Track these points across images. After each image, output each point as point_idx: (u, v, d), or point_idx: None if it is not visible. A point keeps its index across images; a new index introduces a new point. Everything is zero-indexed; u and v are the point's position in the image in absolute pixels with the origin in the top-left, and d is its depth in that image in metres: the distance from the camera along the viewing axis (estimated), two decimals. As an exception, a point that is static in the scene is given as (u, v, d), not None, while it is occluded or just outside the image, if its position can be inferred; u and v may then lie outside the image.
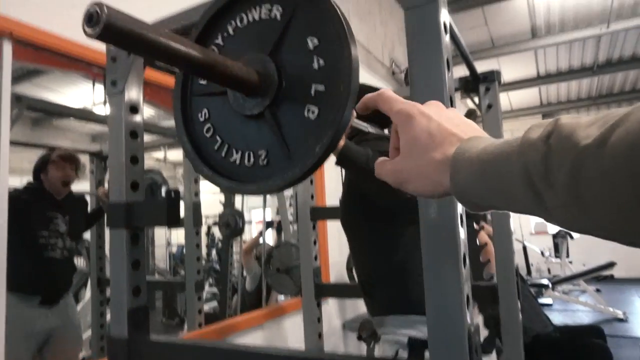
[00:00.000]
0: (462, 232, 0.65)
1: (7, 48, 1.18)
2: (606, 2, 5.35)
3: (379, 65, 4.40)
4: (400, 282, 1.24)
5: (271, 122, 0.61)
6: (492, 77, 1.37)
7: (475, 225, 2.45)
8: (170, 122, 4.38)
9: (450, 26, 0.70)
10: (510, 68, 7.23)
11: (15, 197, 1.87)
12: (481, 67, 1.25)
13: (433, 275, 0.64)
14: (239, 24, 0.65)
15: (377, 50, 4.37)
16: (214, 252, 5.51)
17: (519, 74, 7.62)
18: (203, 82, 0.68)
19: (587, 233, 0.37)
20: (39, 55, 1.32)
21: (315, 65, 0.58)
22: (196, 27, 0.69)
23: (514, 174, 0.38)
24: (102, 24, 0.40)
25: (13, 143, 1.26)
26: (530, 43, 6.32)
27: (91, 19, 0.41)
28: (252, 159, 0.63)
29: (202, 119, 0.69)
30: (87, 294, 3.05)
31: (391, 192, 1.11)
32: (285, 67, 0.60)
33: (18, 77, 1.30)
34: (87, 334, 3.33)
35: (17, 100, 1.47)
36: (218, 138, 0.67)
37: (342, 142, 1.07)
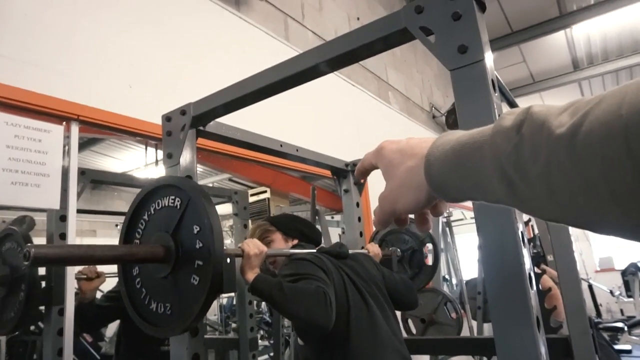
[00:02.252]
0: (532, 293, 0.61)
1: (75, 129, 1.28)
2: (650, 27, 5.20)
3: (418, 110, 4.42)
4: None
5: (172, 284, 0.84)
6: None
7: (536, 269, 2.32)
8: (216, 177, 4.52)
9: (498, 80, 0.70)
10: (554, 102, 7.03)
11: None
12: (523, 103, 1.22)
13: (504, 341, 0.60)
14: (157, 206, 0.91)
15: (415, 96, 4.40)
16: (263, 304, 5.47)
17: (565, 107, 7.41)
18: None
19: (561, 222, 0.35)
20: (100, 130, 1.42)
21: (197, 246, 0.82)
22: (131, 205, 0.95)
23: (487, 164, 0.37)
24: (31, 259, 0.63)
25: (77, 210, 1.34)
26: (572, 75, 6.18)
27: (25, 256, 0.63)
28: (162, 309, 0.85)
29: (134, 273, 0.90)
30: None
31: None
32: (181, 243, 0.84)
33: (78, 146, 1.39)
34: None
35: (82, 174, 1.58)
36: (143, 290, 0.88)
37: (251, 276, 1.23)
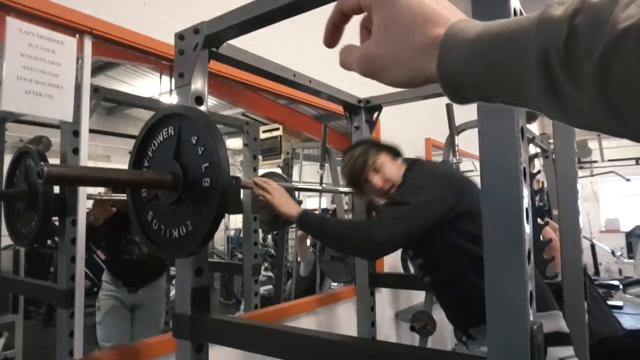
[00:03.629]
0: (527, 227, 0.63)
1: (88, 43, 1.27)
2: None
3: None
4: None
5: (187, 201, 0.88)
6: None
7: (539, 220, 2.34)
8: (229, 112, 4.52)
9: (520, 12, 0.67)
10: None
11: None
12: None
13: (495, 271, 0.62)
14: (157, 142, 0.95)
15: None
16: (269, 237, 5.66)
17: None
18: (144, 194, 0.97)
19: (599, 130, 0.32)
20: (114, 50, 1.41)
21: (199, 152, 0.86)
22: (136, 140, 0.99)
23: (527, 58, 0.32)
24: (45, 176, 0.67)
25: (91, 131, 1.36)
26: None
27: (39, 174, 0.67)
28: (184, 230, 0.89)
29: (149, 219, 0.96)
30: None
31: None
32: (185, 161, 0.89)
33: (93, 70, 1.39)
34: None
35: (95, 91, 1.58)
36: (162, 227, 0.93)
37: (294, 211, 1.25)
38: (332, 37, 0.49)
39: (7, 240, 1.70)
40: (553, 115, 0.35)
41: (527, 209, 0.62)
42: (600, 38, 0.28)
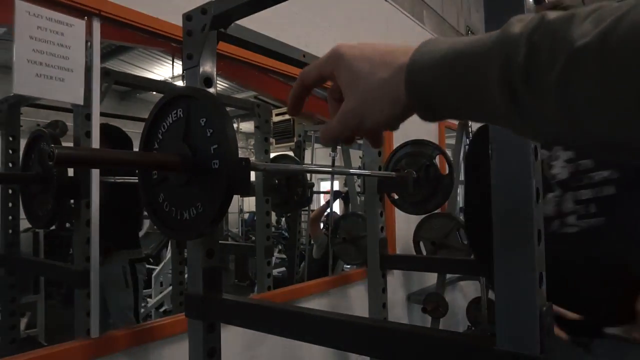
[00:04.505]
0: (538, 208, 0.62)
1: (96, 25, 1.27)
2: None
3: (453, 33, 4.18)
4: None
5: (196, 182, 0.88)
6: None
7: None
8: (243, 94, 4.51)
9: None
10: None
11: None
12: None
13: (504, 251, 0.62)
14: (166, 124, 0.95)
15: (452, 17, 4.14)
16: (283, 220, 5.70)
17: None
18: (155, 176, 0.97)
19: (561, 142, 0.34)
20: (123, 33, 1.41)
21: (208, 133, 0.85)
22: (146, 123, 0.98)
23: (489, 73, 0.34)
24: (55, 159, 0.66)
25: (104, 115, 1.37)
26: None
27: (49, 156, 0.67)
28: (194, 212, 0.89)
29: (160, 200, 0.96)
30: (168, 254, 3.32)
31: None
32: (194, 143, 0.88)
33: (107, 53, 1.40)
34: (167, 290, 3.65)
35: (106, 74, 1.59)
36: (173, 209, 0.94)
37: None
38: (295, 108, 0.54)
39: (26, 223, 1.74)
40: (517, 128, 0.36)
41: (537, 188, 0.61)
42: (558, 54, 0.30)
